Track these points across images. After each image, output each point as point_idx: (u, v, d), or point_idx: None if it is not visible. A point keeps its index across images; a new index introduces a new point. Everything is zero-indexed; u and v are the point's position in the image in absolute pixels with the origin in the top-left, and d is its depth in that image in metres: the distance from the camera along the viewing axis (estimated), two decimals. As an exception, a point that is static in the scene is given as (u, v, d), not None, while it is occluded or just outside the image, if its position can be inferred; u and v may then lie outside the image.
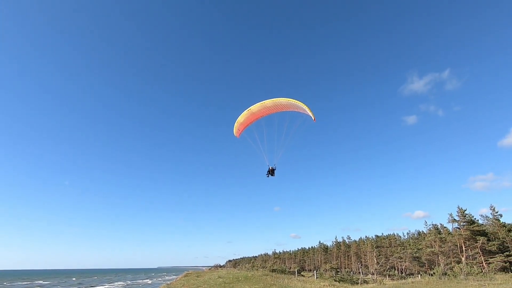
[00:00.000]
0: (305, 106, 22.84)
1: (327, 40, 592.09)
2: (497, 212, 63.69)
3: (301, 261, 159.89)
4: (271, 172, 26.22)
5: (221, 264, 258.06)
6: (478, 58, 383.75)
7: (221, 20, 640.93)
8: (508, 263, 51.82)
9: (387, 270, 76.71)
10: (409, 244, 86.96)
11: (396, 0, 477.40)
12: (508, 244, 56.37)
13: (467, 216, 60.53)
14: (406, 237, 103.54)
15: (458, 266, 39.81)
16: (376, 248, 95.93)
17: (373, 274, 72.73)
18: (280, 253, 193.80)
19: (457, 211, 62.17)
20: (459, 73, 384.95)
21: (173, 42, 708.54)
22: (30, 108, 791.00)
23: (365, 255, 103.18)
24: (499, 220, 63.23)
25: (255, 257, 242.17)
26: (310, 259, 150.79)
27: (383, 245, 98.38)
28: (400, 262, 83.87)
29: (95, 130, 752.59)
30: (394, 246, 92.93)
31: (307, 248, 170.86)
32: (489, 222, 65.61)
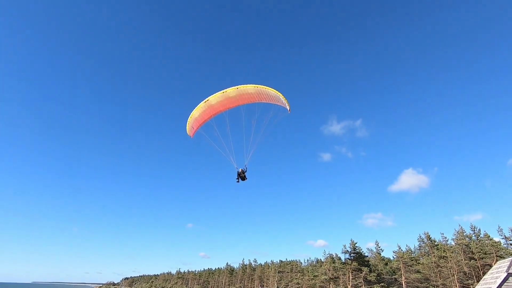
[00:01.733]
0: (278, 93, 19.13)
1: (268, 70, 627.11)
2: (379, 247, 74.30)
3: (205, 283, 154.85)
4: (242, 176, 22.55)
5: (115, 282, 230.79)
6: (383, 114, 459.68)
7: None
8: (382, 292, 60.03)
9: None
10: (308, 271, 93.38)
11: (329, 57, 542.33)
12: (384, 276, 65.71)
13: (357, 248, 68.89)
14: (306, 264, 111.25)
15: (344, 294, 44.21)
16: (278, 273, 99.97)
17: (272, 298, 75.15)
18: (184, 272, 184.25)
19: (350, 244, 70.29)
20: (368, 124, 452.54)
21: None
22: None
23: (267, 279, 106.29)
24: (380, 254, 73.81)
25: (156, 276, 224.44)
26: (215, 281, 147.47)
27: (285, 270, 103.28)
28: (297, 287, 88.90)
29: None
30: (295, 272, 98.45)
31: (213, 269, 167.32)
32: (372, 255, 75.96)
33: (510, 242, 59.95)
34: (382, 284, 61.83)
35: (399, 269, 64.68)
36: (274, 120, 21.46)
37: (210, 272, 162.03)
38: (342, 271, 70.21)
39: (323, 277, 76.00)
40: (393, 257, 71.15)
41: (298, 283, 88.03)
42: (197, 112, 21.62)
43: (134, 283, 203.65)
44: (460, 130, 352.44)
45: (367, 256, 70.46)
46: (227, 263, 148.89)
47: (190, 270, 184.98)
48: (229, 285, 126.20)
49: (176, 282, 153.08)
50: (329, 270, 76.14)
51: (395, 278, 64.94)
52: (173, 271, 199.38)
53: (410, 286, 61.42)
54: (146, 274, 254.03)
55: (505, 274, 40.64)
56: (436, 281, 58.64)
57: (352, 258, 67.73)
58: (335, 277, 72.24)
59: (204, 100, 20.64)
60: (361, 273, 62.84)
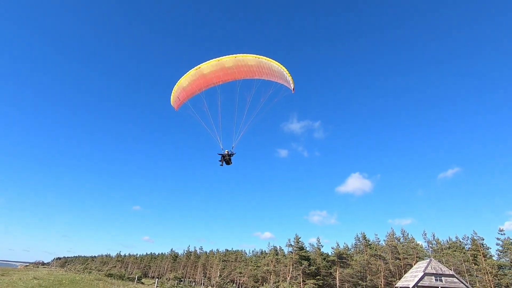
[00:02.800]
0: (282, 68, 16.36)
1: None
2: (320, 243, 79.13)
3: (146, 267, 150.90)
4: (226, 159, 19.47)
5: (46, 262, 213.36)
6: (341, 119, 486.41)
7: None
8: (317, 285, 64.29)
9: (226, 283, 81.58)
10: (251, 261, 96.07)
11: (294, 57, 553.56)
12: (321, 270, 70.31)
13: (300, 243, 72.64)
14: (250, 254, 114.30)
15: (282, 285, 46.50)
16: (222, 261, 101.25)
17: (213, 286, 76.05)
18: (124, 255, 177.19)
19: (294, 238, 73.83)
20: (326, 126, 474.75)
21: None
22: None
23: (211, 267, 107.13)
24: (320, 250, 78.74)
25: (93, 257, 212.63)
26: (157, 266, 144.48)
27: (230, 259, 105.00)
28: (239, 276, 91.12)
29: None
30: (239, 261, 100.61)
31: (156, 254, 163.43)
32: (313, 250, 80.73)
33: (431, 246, 68.24)
34: (318, 277, 66.16)
35: (335, 264, 69.79)
36: (274, 99, 18.79)
37: (152, 257, 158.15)
38: (283, 263, 73.54)
39: (265, 268, 78.90)
40: (331, 253, 76.40)
41: (240, 272, 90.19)
42: (186, 81, 18.10)
43: (67, 264, 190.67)
44: (402, 143, 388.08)
45: (309, 251, 74.63)
46: (171, 249, 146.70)
47: (132, 254, 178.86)
48: (171, 271, 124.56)
49: (115, 266, 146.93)
50: (271, 261, 79.20)
51: (330, 272, 69.88)
52: (113, 254, 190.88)
53: (343, 280, 66.69)
54: (82, 255, 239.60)
55: (422, 273, 46.26)
56: (365, 277, 64.54)
57: (294, 251, 71.26)
58: (275, 269, 75.49)
59: (195, 67, 17.46)
60: (301, 266, 66.53)
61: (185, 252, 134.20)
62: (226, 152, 19.70)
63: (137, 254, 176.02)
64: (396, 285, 52.11)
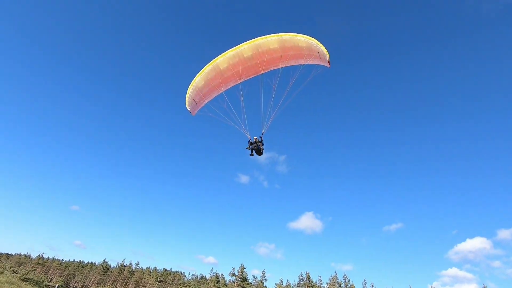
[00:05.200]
0: (311, 39, 13.04)
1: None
2: (264, 276, 77.49)
3: (69, 275, 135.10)
4: (255, 147, 16.57)
5: None
6: (304, 155, 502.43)
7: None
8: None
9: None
10: (189, 286, 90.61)
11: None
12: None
13: (244, 273, 70.42)
14: (190, 277, 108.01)
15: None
16: (159, 282, 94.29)
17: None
18: (47, 259, 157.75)
19: (239, 267, 71.53)
20: (290, 161, 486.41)
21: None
22: None
23: (144, 286, 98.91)
24: (263, 283, 76.94)
25: (8, 255, 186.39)
26: (83, 276, 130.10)
27: (167, 280, 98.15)
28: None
29: None
30: (177, 284, 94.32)
31: (85, 262, 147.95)
32: (256, 283, 78.64)
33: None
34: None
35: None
36: (306, 79, 15.36)
37: (80, 265, 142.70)
38: (223, 292, 70.32)
39: (204, 294, 74.73)
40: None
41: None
42: (202, 80, 14.97)
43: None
44: (356, 193, 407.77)
45: (251, 283, 72.44)
46: (104, 259, 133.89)
47: (56, 258, 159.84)
48: (98, 283, 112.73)
49: (34, 269, 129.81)
50: (211, 288, 75.42)
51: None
52: (34, 255, 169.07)
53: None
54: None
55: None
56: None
57: (237, 281, 68.71)
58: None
59: (211, 62, 14.33)
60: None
61: (119, 264, 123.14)
62: (255, 139, 17.01)
63: (62, 260, 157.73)
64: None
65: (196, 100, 15.84)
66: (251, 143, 17.00)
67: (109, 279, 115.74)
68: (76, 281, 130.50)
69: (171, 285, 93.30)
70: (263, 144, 16.98)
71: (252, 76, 15.49)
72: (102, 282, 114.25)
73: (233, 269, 72.65)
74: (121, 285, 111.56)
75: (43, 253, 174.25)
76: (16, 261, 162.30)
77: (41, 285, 46.36)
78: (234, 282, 70.02)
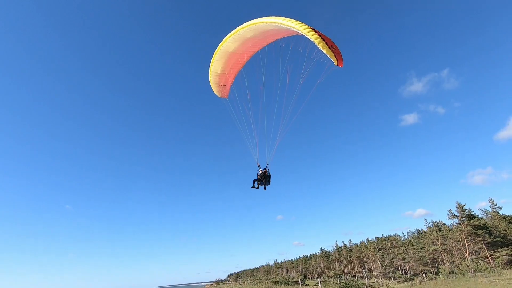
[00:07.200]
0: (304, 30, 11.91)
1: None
2: (496, 205, 63.63)
3: (303, 269, 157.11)
4: (263, 178, 15.75)
5: (223, 279, 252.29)
6: (474, 57, 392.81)
7: None
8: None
9: (391, 273, 75.40)
10: (411, 244, 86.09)
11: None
12: (510, 237, 55.96)
13: (466, 211, 60.06)
14: (407, 237, 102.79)
15: (465, 263, 39.00)
16: (379, 250, 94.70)
17: (378, 277, 71.38)
18: (281, 262, 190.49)
19: (456, 207, 61.72)
20: (458, 72, 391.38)
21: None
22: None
23: (367, 258, 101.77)
24: (498, 213, 63.11)
25: (256, 269, 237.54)
26: (313, 267, 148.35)
27: (385, 246, 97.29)
28: (403, 263, 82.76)
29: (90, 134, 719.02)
30: (396, 247, 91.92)
31: (308, 255, 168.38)
32: (488, 216, 65.40)
33: None
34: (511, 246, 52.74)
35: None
36: (317, 80, 14.39)
37: (306, 259, 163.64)
38: (454, 238, 62.37)
39: (431, 248, 68.94)
40: (516, 213, 60.16)
41: (404, 258, 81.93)
42: (219, 65, 15.58)
43: (238, 278, 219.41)
44: None
45: (482, 218, 61.08)
46: (321, 248, 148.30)
47: (287, 260, 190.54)
48: (328, 269, 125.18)
49: (277, 273, 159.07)
50: (436, 239, 68.70)
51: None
52: (271, 263, 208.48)
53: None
54: (248, 268, 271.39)
55: None
56: None
57: (462, 222, 59.50)
58: (446, 248, 64.73)
59: (217, 48, 15.00)
60: (478, 237, 54.67)
61: (335, 248, 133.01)
62: (260, 172, 15.65)
63: (292, 259, 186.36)
64: None
65: (221, 83, 16.29)
66: (258, 176, 15.72)
67: (334, 262, 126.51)
68: (310, 272, 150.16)
69: (391, 249, 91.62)
70: (269, 174, 15.68)
71: (257, 50, 15.24)
72: (331, 266, 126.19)
73: (450, 211, 63.48)
74: (347, 264, 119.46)
75: (276, 259, 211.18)
76: (262, 271, 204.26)
77: (289, 283, 55.72)
78: (460, 224, 60.86)
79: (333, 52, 11.65)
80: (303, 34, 11.96)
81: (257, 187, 15.80)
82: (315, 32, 11.72)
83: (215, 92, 17.00)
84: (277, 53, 14.58)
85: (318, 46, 11.66)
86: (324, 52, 11.60)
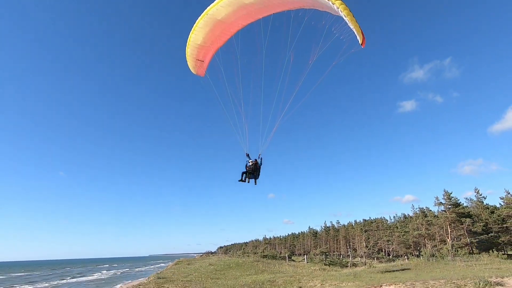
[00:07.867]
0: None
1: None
2: (481, 195, 65.59)
3: (291, 246, 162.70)
4: (254, 170, 13.69)
5: (212, 251, 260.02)
6: (478, 48, 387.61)
7: None
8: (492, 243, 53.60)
9: (375, 253, 78.66)
10: (396, 228, 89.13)
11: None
12: (491, 226, 58.21)
13: (452, 199, 61.82)
14: (393, 220, 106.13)
15: (446, 247, 40.77)
16: (364, 232, 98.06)
17: (362, 257, 74.41)
18: (270, 238, 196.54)
19: (443, 195, 63.42)
20: (460, 61, 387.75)
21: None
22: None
23: (353, 239, 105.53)
24: (483, 203, 65.19)
25: (246, 243, 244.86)
26: (300, 244, 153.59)
27: (371, 228, 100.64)
28: (387, 245, 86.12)
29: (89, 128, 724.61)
30: (382, 230, 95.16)
31: (297, 233, 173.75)
32: (473, 205, 67.55)
33: None
34: (491, 234, 55.07)
35: (511, 216, 56.31)
36: (340, 57, 11.37)
37: (294, 236, 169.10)
38: (437, 224, 64.68)
39: (415, 232, 71.57)
40: (500, 204, 62.15)
41: (388, 240, 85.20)
42: (200, 34, 12.34)
43: (228, 251, 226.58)
44: None
45: (467, 206, 63.07)
46: (309, 227, 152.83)
47: (276, 236, 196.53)
48: (314, 247, 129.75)
49: (266, 248, 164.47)
50: (421, 224, 71.14)
51: (506, 226, 56.99)
52: (260, 238, 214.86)
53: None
54: (238, 242, 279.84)
55: None
56: None
57: (448, 209, 61.43)
58: (429, 233, 67.25)
59: (204, 13, 11.63)
60: (461, 224, 56.73)
61: (323, 228, 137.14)
62: (251, 163, 13.66)
63: (280, 236, 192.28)
64: None
65: (200, 58, 13.30)
66: (247, 168, 13.74)
67: (321, 241, 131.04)
68: (297, 249, 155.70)
69: (377, 232, 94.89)
70: (260, 164, 13.52)
71: (255, 20, 12.03)
72: (317, 245, 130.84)
73: (437, 198, 65.23)
74: (333, 243, 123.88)
75: (265, 235, 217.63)
76: (252, 246, 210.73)
77: (276, 258, 57.94)
78: (445, 211, 62.88)
79: (360, 28, 9.58)
80: (328, 3, 9.46)
81: (247, 181, 14.00)
82: (342, 2, 9.39)
83: (190, 67, 13.75)
84: (281, 24, 11.68)
85: (346, 19, 9.39)
86: (352, 27, 9.49)
